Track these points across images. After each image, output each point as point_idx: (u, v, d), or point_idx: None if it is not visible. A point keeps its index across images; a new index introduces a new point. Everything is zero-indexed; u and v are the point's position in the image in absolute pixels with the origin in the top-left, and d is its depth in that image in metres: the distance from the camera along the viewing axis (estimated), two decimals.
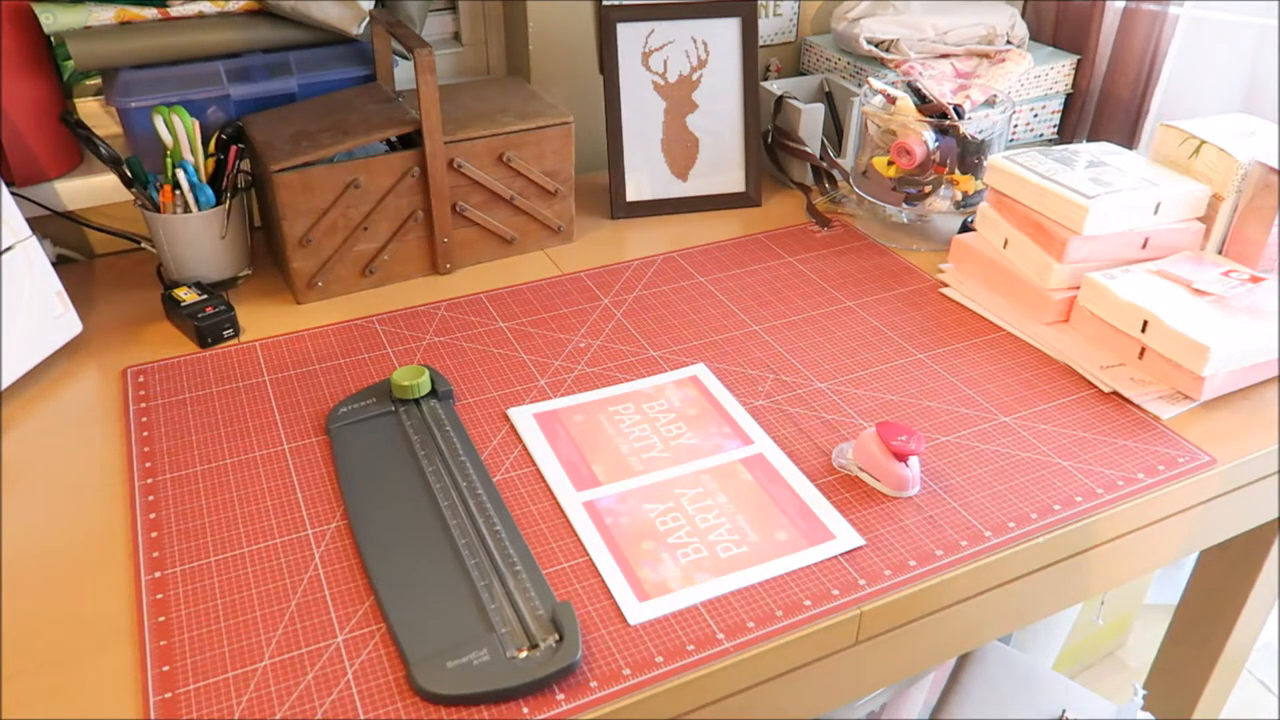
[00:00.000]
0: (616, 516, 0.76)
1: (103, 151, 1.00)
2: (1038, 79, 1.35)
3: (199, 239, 1.03)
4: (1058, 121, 1.42)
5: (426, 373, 0.87)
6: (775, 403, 0.89)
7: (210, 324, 0.97)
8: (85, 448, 0.84)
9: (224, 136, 1.04)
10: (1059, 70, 1.36)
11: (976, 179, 1.13)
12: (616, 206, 1.24)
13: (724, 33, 1.23)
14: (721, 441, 0.84)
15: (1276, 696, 1.72)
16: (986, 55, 1.33)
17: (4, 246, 0.88)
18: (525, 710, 0.61)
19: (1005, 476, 0.81)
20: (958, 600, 0.74)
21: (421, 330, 1.00)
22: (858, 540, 0.74)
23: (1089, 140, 1.32)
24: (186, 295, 0.99)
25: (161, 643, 0.65)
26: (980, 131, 1.12)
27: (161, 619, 0.67)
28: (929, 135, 1.11)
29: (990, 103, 1.17)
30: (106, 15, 1.02)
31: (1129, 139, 1.36)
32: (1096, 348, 0.95)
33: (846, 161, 1.30)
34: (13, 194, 0.96)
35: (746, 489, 0.79)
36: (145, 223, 1.04)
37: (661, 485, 0.79)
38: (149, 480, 0.80)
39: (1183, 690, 1.25)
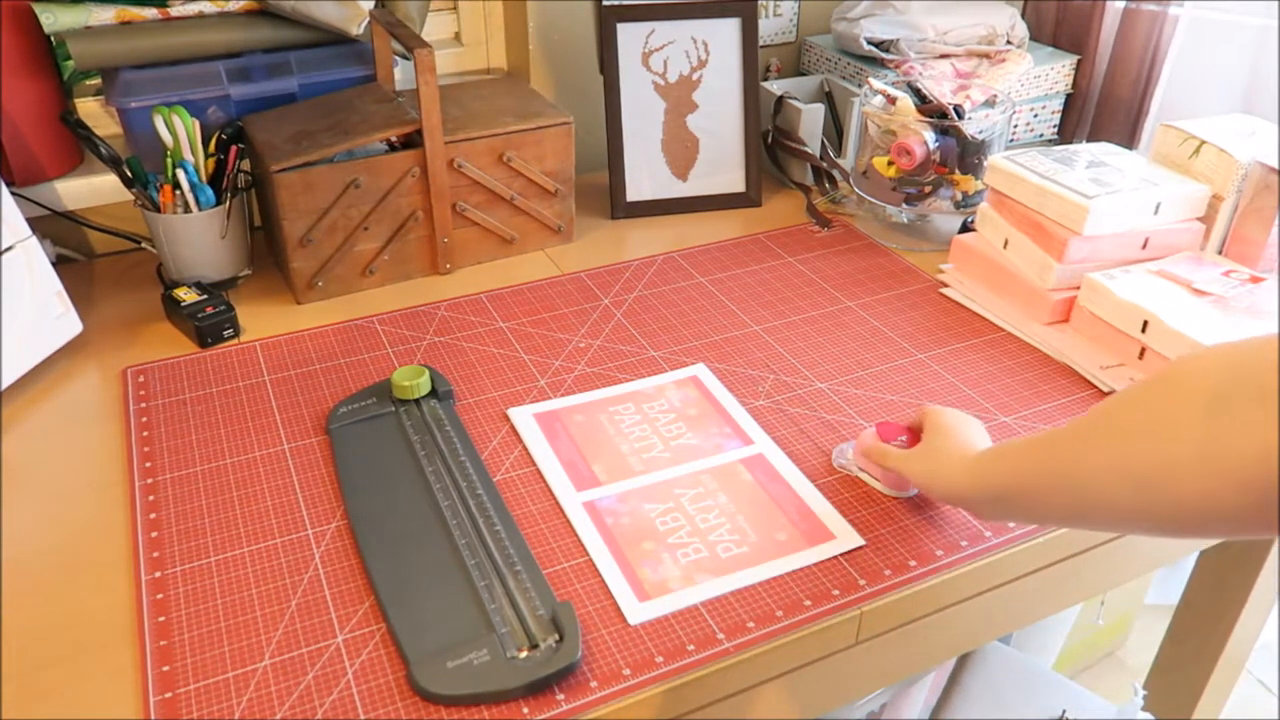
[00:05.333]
0: (617, 516, 0.76)
1: (103, 151, 1.00)
2: (1038, 79, 1.35)
3: (199, 239, 1.03)
4: (1058, 121, 1.42)
5: (426, 373, 0.87)
6: (775, 403, 0.89)
7: (210, 324, 0.97)
8: (85, 448, 0.84)
9: (224, 136, 1.04)
10: (1059, 70, 1.36)
11: (976, 179, 1.13)
12: (616, 206, 1.24)
13: (724, 33, 1.23)
14: (721, 441, 0.84)
15: (1276, 696, 1.72)
16: (986, 55, 1.33)
17: (4, 246, 0.88)
18: (525, 710, 0.61)
19: None
20: (958, 600, 0.74)
21: (421, 330, 1.00)
22: (858, 540, 0.74)
23: (1089, 140, 1.32)
24: (186, 295, 0.99)
25: (162, 643, 0.65)
26: (980, 131, 1.12)
27: (161, 619, 0.67)
28: (929, 135, 1.11)
29: (990, 103, 1.17)
30: (106, 15, 1.02)
31: (1129, 139, 1.36)
32: (1096, 348, 0.95)
33: (846, 161, 1.30)
34: (13, 194, 0.95)
35: (746, 489, 0.79)
36: (145, 223, 1.04)
37: (661, 485, 0.79)
38: (149, 480, 0.80)
39: (1183, 690, 1.25)
